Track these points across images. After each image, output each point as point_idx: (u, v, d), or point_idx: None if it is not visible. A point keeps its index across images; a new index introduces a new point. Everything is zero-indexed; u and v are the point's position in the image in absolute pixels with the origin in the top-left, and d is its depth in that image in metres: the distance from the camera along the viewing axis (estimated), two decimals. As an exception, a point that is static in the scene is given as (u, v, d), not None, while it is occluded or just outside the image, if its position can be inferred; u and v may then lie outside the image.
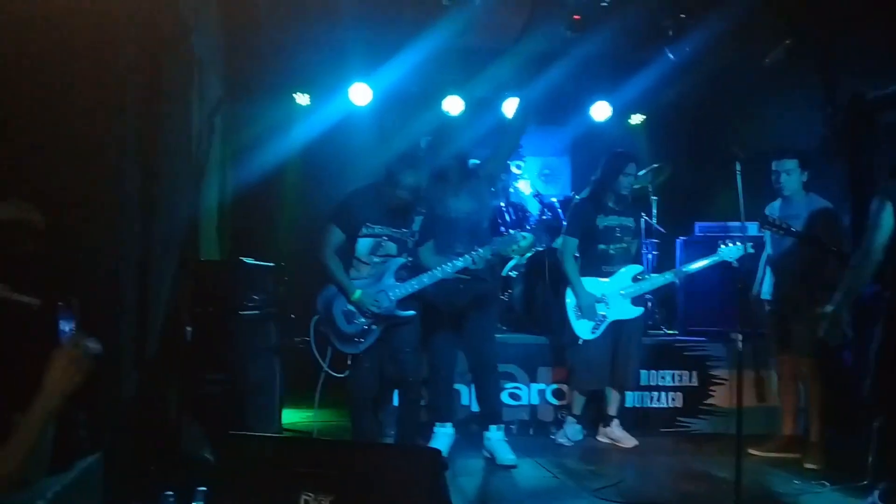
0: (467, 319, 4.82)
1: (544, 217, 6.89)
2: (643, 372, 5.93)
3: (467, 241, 4.54)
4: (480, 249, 4.31)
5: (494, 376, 4.96)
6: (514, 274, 6.62)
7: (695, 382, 6.08)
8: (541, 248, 6.47)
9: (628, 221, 5.46)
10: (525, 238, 4.43)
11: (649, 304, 6.43)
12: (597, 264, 5.43)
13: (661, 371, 6.05)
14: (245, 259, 5.39)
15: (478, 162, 5.19)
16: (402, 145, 5.52)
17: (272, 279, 5.58)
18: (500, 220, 6.42)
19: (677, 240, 6.59)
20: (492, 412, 4.90)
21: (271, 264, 5.64)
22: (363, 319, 4.43)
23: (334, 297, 4.49)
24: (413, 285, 4.41)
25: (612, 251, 5.41)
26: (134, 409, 4.01)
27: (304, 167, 7.81)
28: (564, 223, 5.53)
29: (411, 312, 4.49)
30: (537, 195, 7.22)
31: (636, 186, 6.06)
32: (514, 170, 7.27)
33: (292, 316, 5.70)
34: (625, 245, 5.41)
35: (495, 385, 4.98)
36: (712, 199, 6.97)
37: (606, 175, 5.40)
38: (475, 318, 4.82)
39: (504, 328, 6.39)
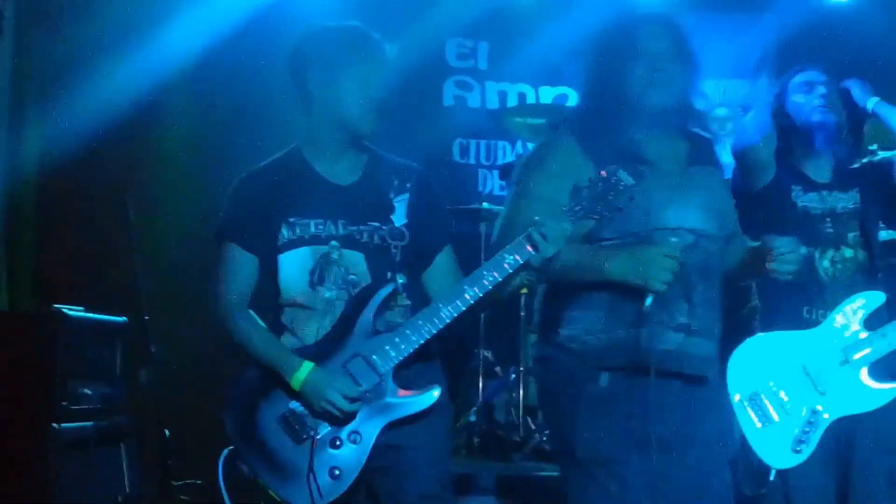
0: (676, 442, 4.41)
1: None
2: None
3: None
4: (539, 219, 4.01)
5: None
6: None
7: None
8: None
9: (850, 200, 5.12)
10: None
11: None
12: (790, 298, 4.97)
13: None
14: (66, 308, 5.33)
15: None
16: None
17: (125, 353, 5.66)
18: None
19: None
20: None
21: (121, 319, 5.67)
22: (328, 428, 4.09)
23: (259, 393, 4.17)
24: (424, 327, 4.10)
25: (821, 268, 5.06)
26: None
27: (193, 115, 7.64)
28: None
29: (431, 391, 4.12)
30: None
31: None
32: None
33: (166, 432, 5.46)
34: (850, 254, 5.06)
35: None
36: None
37: (776, 104, 5.16)
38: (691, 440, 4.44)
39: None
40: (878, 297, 4.96)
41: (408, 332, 4.07)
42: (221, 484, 4.19)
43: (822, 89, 5.18)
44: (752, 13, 8.55)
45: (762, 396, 4.86)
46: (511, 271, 4.05)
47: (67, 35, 7.13)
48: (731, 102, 8.73)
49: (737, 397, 4.87)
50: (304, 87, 4.21)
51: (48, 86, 7.11)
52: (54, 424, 5.02)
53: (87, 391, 5.27)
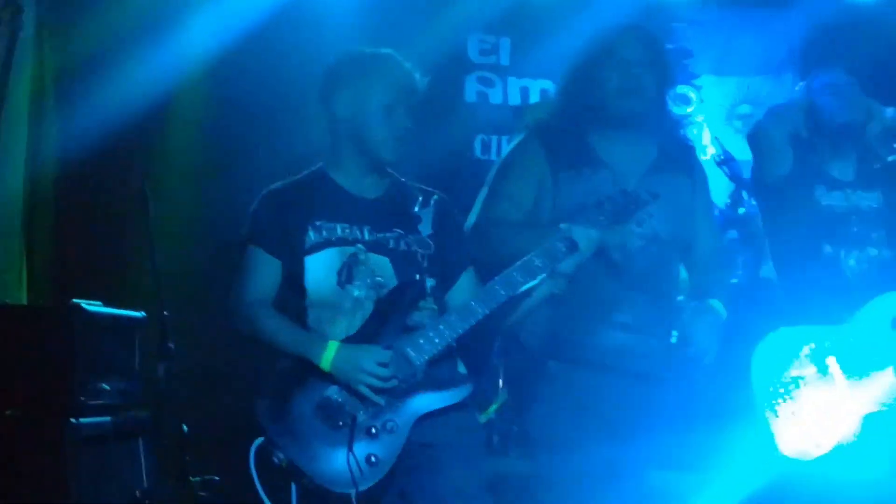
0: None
1: (742, 210, 6.79)
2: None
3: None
4: (564, 226, 4.11)
5: None
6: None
7: None
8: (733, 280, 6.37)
9: (873, 200, 5.14)
10: None
11: None
12: (816, 297, 5.05)
13: None
14: (84, 303, 5.34)
15: None
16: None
17: (142, 347, 5.66)
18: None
19: None
20: None
21: (140, 314, 5.73)
22: (364, 416, 4.08)
23: (293, 381, 4.15)
24: (457, 324, 4.13)
25: (847, 268, 5.05)
26: None
27: (209, 113, 7.58)
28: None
29: (465, 385, 4.17)
30: (726, 160, 7.07)
31: None
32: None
33: (184, 427, 5.32)
34: (875, 253, 5.06)
35: None
36: None
37: (825, 105, 5.14)
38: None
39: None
40: None
41: (441, 327, 4.08)
42: (254, 474, 4.16)
43: (846, 90, 5.16)
44: (777, 9, 8.52)
45: (787, 390, 4.86)
46: (540, 275, 4.08)
47: (86, 31, 7.09)
48: (756, 99, 8.79)
49: (761, 390, 4.90)
50: (331, 108, 4.24)
51: (67, 82, 7.09)
52: (72, 419, 5.02)
53: (105, 386, 5.27)
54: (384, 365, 4.01)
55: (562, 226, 4.08)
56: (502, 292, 4.07)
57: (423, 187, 4.37)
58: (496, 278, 4.10)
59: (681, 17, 8.14)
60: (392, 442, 4.06)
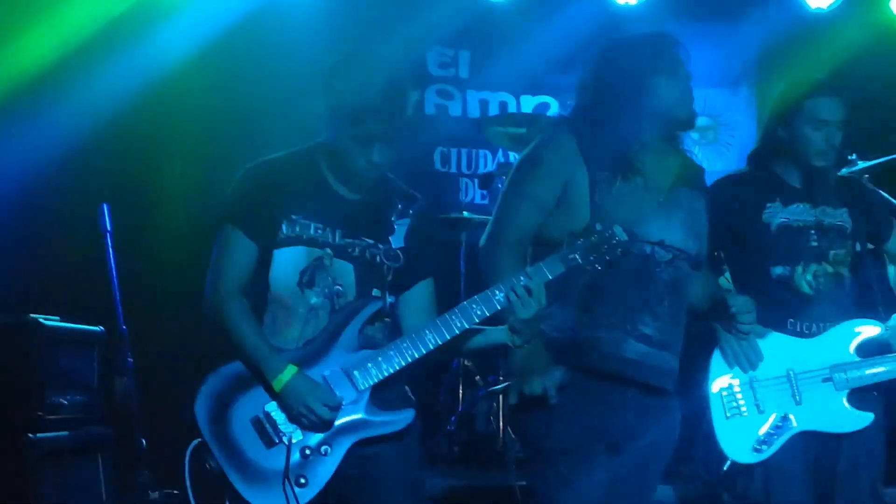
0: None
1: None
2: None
3: None
4: (530, 268, 4.10)
5: None
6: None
7: None
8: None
9: (837, 217, 5.10)
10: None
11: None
12: (773, 310, 4.97)
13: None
14: (42, 318, 5.36)
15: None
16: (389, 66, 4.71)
17: (101, 362, 5.64)
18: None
19: None
20: None
21: (98, 329, 5.70)
22: (301, 435, 4.09)
23: (235, 388, 4.16)
24: (408, 351, 4.12)
25: (804, 283, 5.02)
26: None
27: (174, 116, 7.46)
28: None
29: (406, 413, 4.15)
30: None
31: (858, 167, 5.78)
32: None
33: (143, 441, 5.44)
34: (831, 271, 5.00)
35: None
36: None
37: (780, 119, 5.06)
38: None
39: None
40: (875, 327, 5.00)
41: (391, 353, 4.11)
42: (187, 477, 4.16)
43: (833, 132, 5.03)
44: (733, 22, 8.62)
45: (739, 389, 4.90)
46: (499, 308, 4.08)
47: (38, 42, 6.94)
48: (713, 111, 8.89)
49: (714, 384, 4.92)
50: (326, 95, 4.20)
51: (25, 94, 6.88)
52: (30, 434, 5.02)
53: (64, 401, 5.29)
54: (332, 408, 4.03)
55: (527, 269, 4.09)
56: (458, 323, 4.10)
57: (408, 190, 4.38)
58: (454, 308, 4.10)
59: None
60: (325, 464, 4.11)
